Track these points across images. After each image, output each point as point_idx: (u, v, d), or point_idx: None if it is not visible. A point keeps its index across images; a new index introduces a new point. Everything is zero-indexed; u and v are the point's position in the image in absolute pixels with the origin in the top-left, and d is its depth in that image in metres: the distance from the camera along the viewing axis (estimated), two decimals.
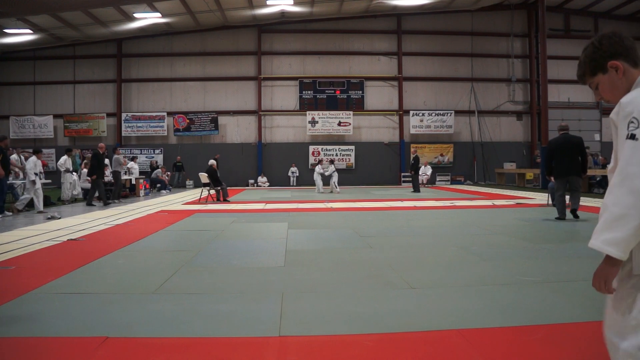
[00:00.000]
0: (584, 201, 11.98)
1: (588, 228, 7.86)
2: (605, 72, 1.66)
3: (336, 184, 18.09)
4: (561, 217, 8.62)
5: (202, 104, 24.19)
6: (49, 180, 15.52)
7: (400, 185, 23.69)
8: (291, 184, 23.54)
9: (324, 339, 2.91)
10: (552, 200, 10.12)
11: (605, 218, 1.50)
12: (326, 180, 18.25)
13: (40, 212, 10.78)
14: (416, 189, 17.46)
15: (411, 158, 17.81)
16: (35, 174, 11.07)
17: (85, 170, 15.28)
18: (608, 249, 1.49)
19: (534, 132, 24.68)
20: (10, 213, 10.39)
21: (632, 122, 1.49)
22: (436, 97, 24.80)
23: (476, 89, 24.79)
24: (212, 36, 23.99)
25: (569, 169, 8.53)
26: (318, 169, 18.26)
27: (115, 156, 14.45)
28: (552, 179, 8.99)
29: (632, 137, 1.47)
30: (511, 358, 2.64)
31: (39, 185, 11.13)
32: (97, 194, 12.88)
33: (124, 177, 16.23)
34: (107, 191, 14.70)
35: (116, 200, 13.72)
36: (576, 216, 8.60)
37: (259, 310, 3.46)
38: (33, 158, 11.38)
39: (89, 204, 12.50)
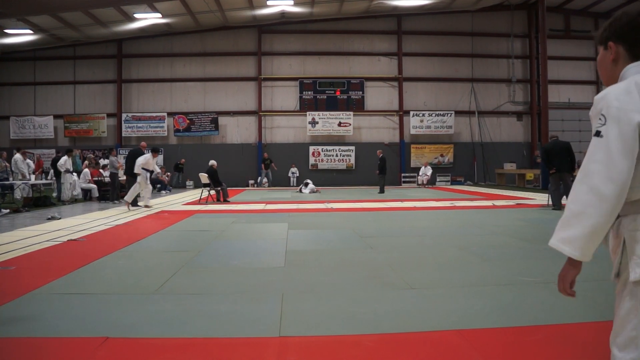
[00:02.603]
0: None
1: None
2: (606, 49, 1.59)
3: (314, 190, 18.54)
4: (557, 207, 10.34)
5: (202, 105, 24.19)
6: (50, 181, 15.55)
7: (401, 185, 23.70)
8: (291, 184, 23.52)
9: (324, 339, 2.92)
10: (552, 200, 10.58)
11: (564, 216, 1.47)
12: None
13: (146, 206, 11.61)
14: (382, 190, 17.65)
15: (378, 159, 17.91)
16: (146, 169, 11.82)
17: (87, 170, 15.30)
18: (563, 247, 1.46)
19: (534, 133, 24.68)
20: (7, 210, 10.43)
21: (600, 118, 1.45)
22: (436, 98, 24.79)
23: (476, 89, 24.79)
24: (212, 37, 23.99)
25: (560, 167, 10.30)
26: (303, 188, 18.66)
27: (112, 158, 14.48)
28: (554, 170, 10.47)
29: (597, 134, 1.44)
30: (511, 358, 2.65)
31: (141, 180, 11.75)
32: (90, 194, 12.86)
33: (124, 177, 16.22)
34: (105, 192, 14.74)
35: (116, 201, 13.72)
36: None
37: (259, 311, 3.46)
38: (147, 155, 12.00)
39: (135, 204, 12.27)
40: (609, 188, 1.38)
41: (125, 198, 11.86)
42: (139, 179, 11.77)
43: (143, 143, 13.69)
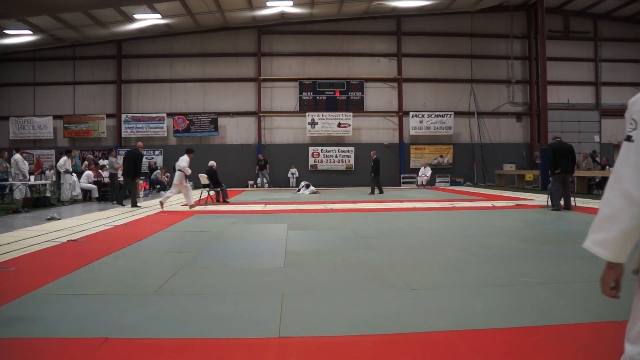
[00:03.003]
0: (584, 202, 12.07)
1: (587, 229, 7.87)
2: None
3: (314, 191, 18.50)
4: (556, 208, 10.50)
5: (201, 105, 24.19)
6: (48, 181, 15.55)
7: (400, 186, 23.70)
8: (291, 185, 23.53)
9: (324, 340, 2.92)
10: (552, 201, 10.61)
11: (596, 219, 1.51)
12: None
13: (191, 206, 11.85)
14: (373, 191, 17.66)
15: (372, 161, 17.92)
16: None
17: (89, 172, 15.29)
18: (596, 249, 1.49)
19: (533, 134, 24.68)
20: None
21: (631, 123, 1.47)
22: (436, 99, 24.80)
23: (476, 90, 24.80)
24: (212, 37, 24.00)
25: (566, 168, 10.44)
26: (303, 190, 18.59)
27: (111, 159, 14.47)
28: (559, 171, 10.53)
29: (628, 138, 1.46)
30: (511, 359, 2.65)
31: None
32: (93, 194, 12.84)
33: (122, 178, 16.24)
34: (105, 192, 14.74)
35: (115, 202, 13.71)
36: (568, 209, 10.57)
37: (259, 311, 3.46)
38: (185, 157, 12.17)
39: (134, 205, 12.32)
40: (639, 193, 1.41)
41: (188, 203, 11.96)
42: (176, 180, 11.98)
43: (140, 143, 13.67)
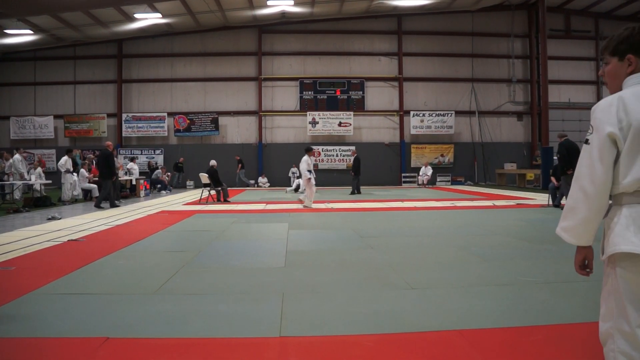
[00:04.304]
0: None
1: None
2: (621, 60, 1.76)
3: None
4: None
5: (202, 105, 24.20)
6: (49, 181, 15.57)
7: (401, 185, 23.70)
8: (292, 184, 23.50)
9: (324, 339, 2.92)
10: (553, 200, 10.65)
11: (564, 209, 1.76)
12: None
13: (306, 206, 11.78)
14: (354, 191, 17.52)
15: (353, 160, 17.79)
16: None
17: (82, 170, 15.28)
18: (562, 234, 1.76)
19: (534, 133, 24.68)
20: None
21: (589, 128, 1.72)
22: (437, 98, 24.79)
23: (477, 89, 24.78)
24: (212, 37, 24.00)
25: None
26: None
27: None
28: (571, 171, 10.33)
29: (586, 141, 1.71)
30: (511, 358, 2.64)
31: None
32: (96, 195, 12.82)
33: (125, 177, 16.27)
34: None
35: (115, 201, 13.68)
36: None
37: (260, 311, 3.46)
38: (305, 157, 12.08)
39: (97, 205, 12.21)
40: (591, 188, 1.65)
41: (305, 204, 11.90)
42: (304, 183, 12.07)
43: (108, 143, 13.41)
